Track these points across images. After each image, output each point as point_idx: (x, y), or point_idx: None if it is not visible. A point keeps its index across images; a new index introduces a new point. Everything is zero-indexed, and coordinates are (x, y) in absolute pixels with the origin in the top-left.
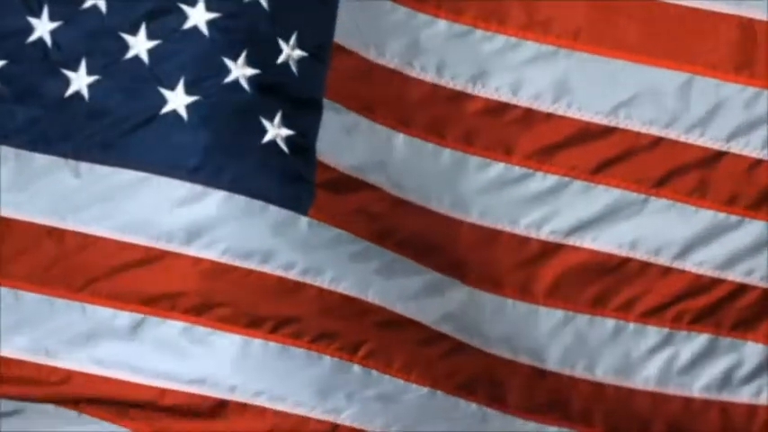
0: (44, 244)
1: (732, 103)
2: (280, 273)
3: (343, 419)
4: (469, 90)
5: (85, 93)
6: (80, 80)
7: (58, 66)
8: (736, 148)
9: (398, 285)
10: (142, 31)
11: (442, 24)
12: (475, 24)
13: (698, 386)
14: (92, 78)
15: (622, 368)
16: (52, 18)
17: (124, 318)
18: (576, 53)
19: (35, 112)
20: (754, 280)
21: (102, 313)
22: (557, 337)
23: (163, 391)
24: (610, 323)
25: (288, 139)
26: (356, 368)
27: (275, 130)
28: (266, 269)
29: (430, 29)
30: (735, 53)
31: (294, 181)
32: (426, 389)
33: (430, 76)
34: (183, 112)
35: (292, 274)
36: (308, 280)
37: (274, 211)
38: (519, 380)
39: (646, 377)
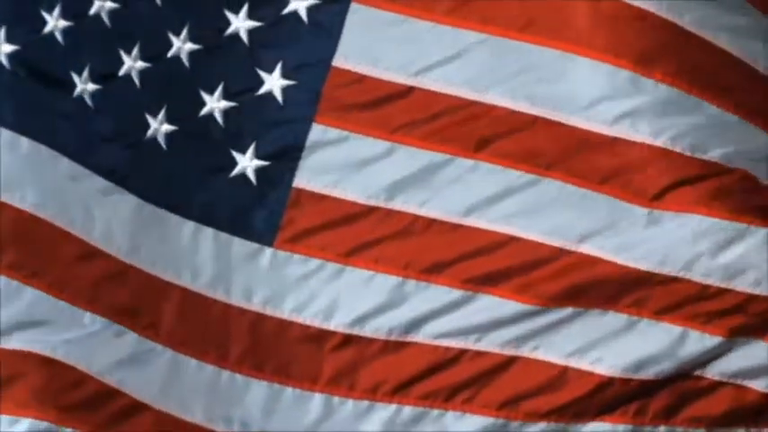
0: None
1: None
2: (242, 304)
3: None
4: (481, 99)
5: (89, 100)
6: (84, 85)
7: (66, 67)
8: None
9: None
10: (135, 51)
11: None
12: (489, 31)
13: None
14: (94, 87)
15: (633, 364)
16: (64, 16)
17: None
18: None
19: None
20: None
21: None
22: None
23: None
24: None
25: (259, 171)
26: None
27: (246, 162)
28: (231, 299)
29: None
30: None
31: (258, 213)
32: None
33: (439, 85)
34: (162, 141)
35: (253, 306)
36: (268, 311)
37: (239, 243)
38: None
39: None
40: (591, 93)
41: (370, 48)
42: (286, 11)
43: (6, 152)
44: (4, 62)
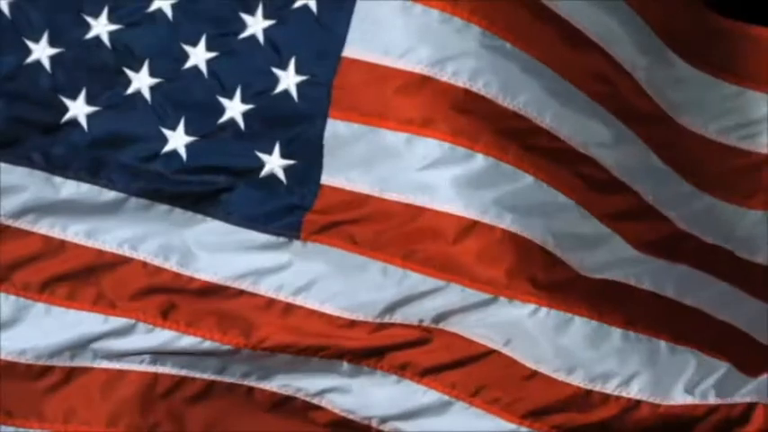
0: None
1: None
2: (271, 294)
3: None
4: (500, 101)
5: (84, 122)
6: (78, 109)
7: (56, 92)
8: None
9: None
10: (145, 68)
11: (475, 30)
12: (505, 38)
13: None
14: (91, 109)
15: (658, 388)
16: (52, 44)
17: None
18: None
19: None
20: None
21: None
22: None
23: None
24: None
25: (287, 169)
26: None
27: (274, 162)
28: (260, 290)
29: (464, 34)
30: None
31: (289, 211)
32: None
33: (462, 81)
34: (183, 152)
35: (281, 296)
36: (299, 301)
37: (264, 238)
38: None
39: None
40: None
41: (380, 36)
42: (296, 5)
43: None
44: None
